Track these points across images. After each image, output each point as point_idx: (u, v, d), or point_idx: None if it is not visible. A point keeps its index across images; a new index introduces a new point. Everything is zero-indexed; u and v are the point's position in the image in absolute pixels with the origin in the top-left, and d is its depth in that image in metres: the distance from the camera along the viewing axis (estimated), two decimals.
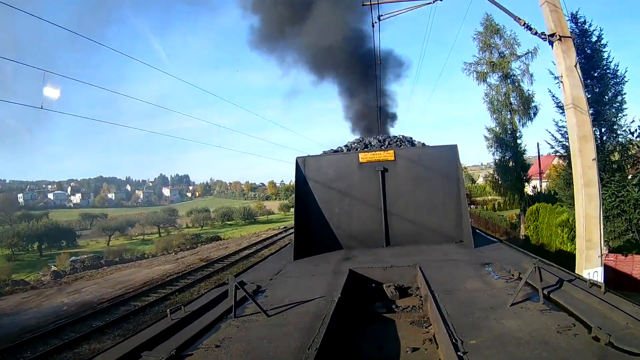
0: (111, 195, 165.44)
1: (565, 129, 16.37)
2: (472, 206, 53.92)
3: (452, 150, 7.77)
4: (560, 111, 16.85)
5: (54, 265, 33.58)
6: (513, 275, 4.90)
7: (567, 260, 13.18)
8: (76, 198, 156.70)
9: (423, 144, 9.13)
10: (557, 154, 18.40)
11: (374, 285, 5.65)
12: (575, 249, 13.61)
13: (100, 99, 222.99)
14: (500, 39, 25.30)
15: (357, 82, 21.00)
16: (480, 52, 25.56)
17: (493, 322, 3.51)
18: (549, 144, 18.19)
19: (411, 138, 9.60)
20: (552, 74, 16.53)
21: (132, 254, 37.51)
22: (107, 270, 27.52)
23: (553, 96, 17.54)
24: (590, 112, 10.77)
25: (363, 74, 19.70)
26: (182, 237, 44.75)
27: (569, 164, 14.84)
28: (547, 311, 3.67)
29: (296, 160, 8.05)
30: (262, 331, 3.79)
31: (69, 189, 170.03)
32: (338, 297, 4.53)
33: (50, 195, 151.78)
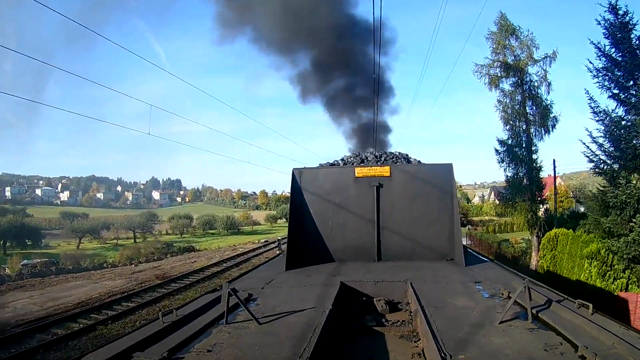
0: (100, 195, 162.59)
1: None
2: (468, 227, 53.60)
3: (447, 168, 7.86)
4: (596, 118, 13.83)
5: (7, 268, 30.82)
6: (502, 294, 4.97)
7: (593, 298, 9.64)
8: (64, 195, 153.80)
9: (419, 162, 9.26)
10: (595, 169, 14.45)
11: (364, 298, 5.69)
12: (608, 285, 12.44)
13: (97, 98, 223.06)
14: (516, 41, 22.45)
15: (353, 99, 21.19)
16: (494, 54, 22.66)
17: (482, 338, 3.58)
18: (587, 156, 14.30)
19: (407, 155, 9.69)
20: (590, 71, 13.15)
21: (92, 261, 33.70)
22: (53, 280, 24.45)
23: (591, 98, 13.75)
24: None
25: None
26: (153, 245, 40.61)
27: (614, 183, 12.88)
28: (535, 330, 3.76)
29: (292, 171, 8.10)
30: (253, 338, 3.83)
31: (59, 186, 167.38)
32: (329, 308, 4.58)
33: (39, 191, 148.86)
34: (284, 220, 79.86)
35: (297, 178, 8.04)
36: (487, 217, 71.22)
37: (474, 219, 65.50)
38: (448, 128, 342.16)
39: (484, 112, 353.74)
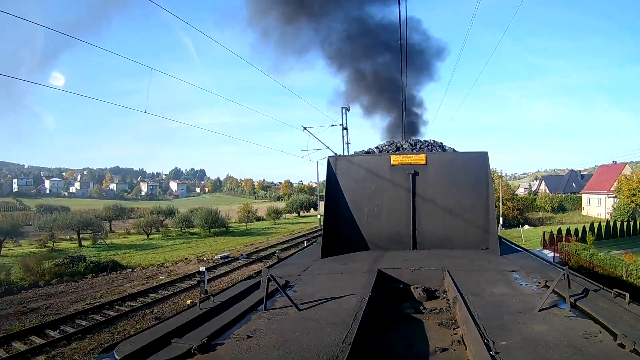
0: (113, 186, 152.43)
1: None
2: (525, 226, 48.74)
3: (482, 157, 7.84)
4: None
5: None
6: (540, 282, 5.02)
7: None
8: (74, 188, 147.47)
9: (453, 150, 9.30)
10: None
11: (401, 286, 5.80)
12: None
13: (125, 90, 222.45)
14: None
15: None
16: None
17: (522, 325, 3.66)
18: None
19: (442, 143, 9.68)
20: None
21: None
22: None
23: None
24: None
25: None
26: (52, 256, 25.63)
27: None
28: (573, 318, 3.82)
29: (328, 159, 8.21)
30: (293, 324, 3.91)
31: (78, 177, 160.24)
32: (369, 294, 4.69)
33: (47, 183, 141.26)
34: (296, 215, 63.58)
35: (333, 165, 8.07)
36: (540, 214, 62.41)
37: (531, 216, 58.46)
38: (477, 120, 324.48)
39: (516, 104, 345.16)
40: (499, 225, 40.63)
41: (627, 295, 3.94)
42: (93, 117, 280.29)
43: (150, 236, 41.87)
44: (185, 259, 28.95)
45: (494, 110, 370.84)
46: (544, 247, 28.47)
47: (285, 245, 32.88)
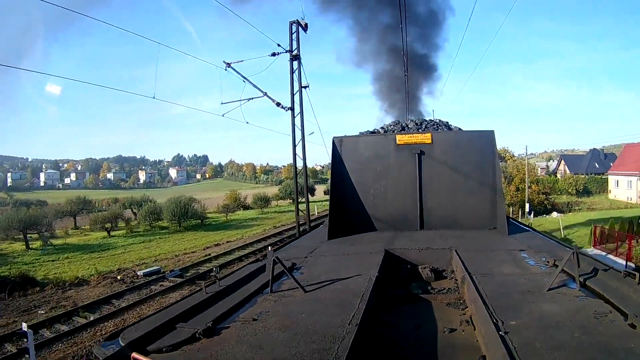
0: (110, 176, 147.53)
1: None
2: (554, 213, 42.32)
3: (488, 135, 7.79)
4: None
5: None
6: (548, 262, 5.01)
7: None
8: (69, 179, 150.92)
9: (459, 129, 9.27)
10: None
11: (409, 266, 5.81)
12: None
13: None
14: None
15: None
16: None
17: (531, 305, 3.66)
18: None
19: (447, 122, 9.66)
20: None
21: None
22: None
23: None
24: None
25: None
26: None
27: None
28: (583, 297, 3.81)
29: (333, 140, 8.17)
30: (299, 306, 3.94)
31: (79, 167, 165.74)
32: (376, 275, 4.70)
33: (42, 175, 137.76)
34: (290, 201, 56.71)
35: (338, 147, 8.07)
36: (564, 197, 53.38)
37: (557, 201, 49.94)
38: (482, 101, 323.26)
39: (519, 86, 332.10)
40: (527, 213, 36.60)
41: (637, 275, 3.93)
42: (96, 106, 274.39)
43: (113, 233, 35.05)
44: (111, 272, 21.39)
45: (497, 92, 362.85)
46: (595, 245, 21.03)
47: (253, 248, 24.38)
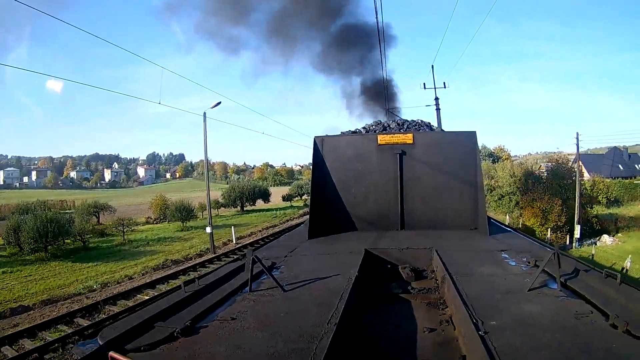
0: (73, 174, 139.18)
1: None
2: (604, 236, 29.37)
3: (470, 136, 7.85)
4: None
5: None
6: (529, 262, 5.05)
7: None
8: (30, 177, 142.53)
9: (441, 129, 9.56)
10: None
11: (389, 266, 5.83)
12: None
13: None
14: None
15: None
16: None
17: (512, 305, 3.64)
18: None
19: (429, 123, 9.71)
20: None
21: None
22: None
23: None
24: None
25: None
26: None
27: None
28: (564, 298, 3.81)
29: (314, 139, 8.10)
30: (278, 305, 3.91)
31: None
32: (355, 274, 4.68)
33: (1, 174, 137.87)
34: (237, 210, 47.45)
35: (319, 146, 8.02)
36: (596, 208, 37.31)
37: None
38: (470, 103, 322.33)
39: (506, 87, 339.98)
40: (575, 240, 28.41)
41: (619, 275, 3.95)
42: (78, 105, 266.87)
43: None
44: None
45: (485, 93, 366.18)
46: None
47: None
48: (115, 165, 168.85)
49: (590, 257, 22.20)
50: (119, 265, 21.85)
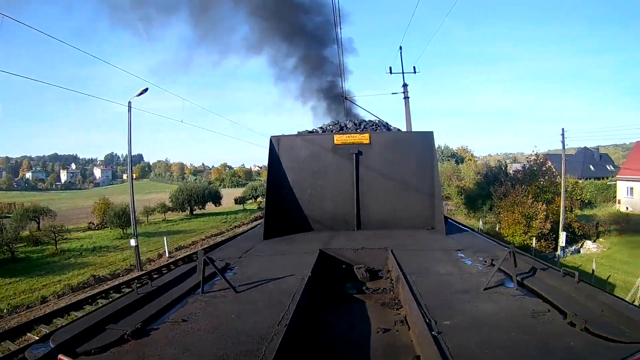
0: (29, 175, 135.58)
1: None
2: (588, 242, 28.79)
3: (427, 136, 7.94)
4: None
5: None
6: (486, 261, 5.08)
7: None
8: None
9: (398, 129, 9.41)
10: None
11: (344, 266, 5.82)
12: None
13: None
14: None
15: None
16: None
17: (467, 305, 3.65)
18: None
19: (387, 123, 9.76)
20: None
21: None
22: None
23: None
24: None
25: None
26: None
27: None
28: (521, 296, 3.83)
29: (270, 139, 8.05)
30: (230, 307, 3.88)
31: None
32: (308, 275, 4.68)
33: None
34: (187, 214, 45.15)
35: (275, 146, 7.94)
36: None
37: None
38: (427, 103, 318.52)
39: (468, 89, 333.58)
40: (560, 248, 26.01)
41: (577, 274, 3.98)
42: (40, 104, 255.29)
43: None
44: None
45: (443, 95, 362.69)
46: None
47: None
48: (73, 166, 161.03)
49: (591, 272, 19.72)
50: (41, 282, 19.35)
